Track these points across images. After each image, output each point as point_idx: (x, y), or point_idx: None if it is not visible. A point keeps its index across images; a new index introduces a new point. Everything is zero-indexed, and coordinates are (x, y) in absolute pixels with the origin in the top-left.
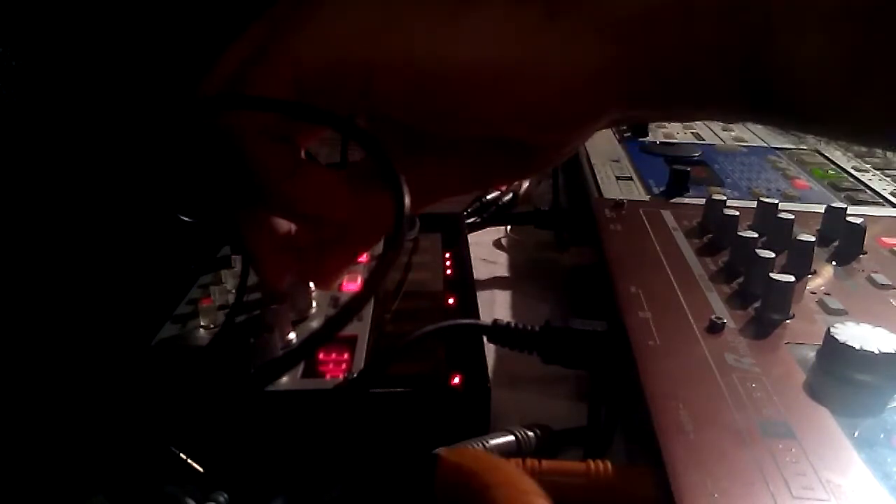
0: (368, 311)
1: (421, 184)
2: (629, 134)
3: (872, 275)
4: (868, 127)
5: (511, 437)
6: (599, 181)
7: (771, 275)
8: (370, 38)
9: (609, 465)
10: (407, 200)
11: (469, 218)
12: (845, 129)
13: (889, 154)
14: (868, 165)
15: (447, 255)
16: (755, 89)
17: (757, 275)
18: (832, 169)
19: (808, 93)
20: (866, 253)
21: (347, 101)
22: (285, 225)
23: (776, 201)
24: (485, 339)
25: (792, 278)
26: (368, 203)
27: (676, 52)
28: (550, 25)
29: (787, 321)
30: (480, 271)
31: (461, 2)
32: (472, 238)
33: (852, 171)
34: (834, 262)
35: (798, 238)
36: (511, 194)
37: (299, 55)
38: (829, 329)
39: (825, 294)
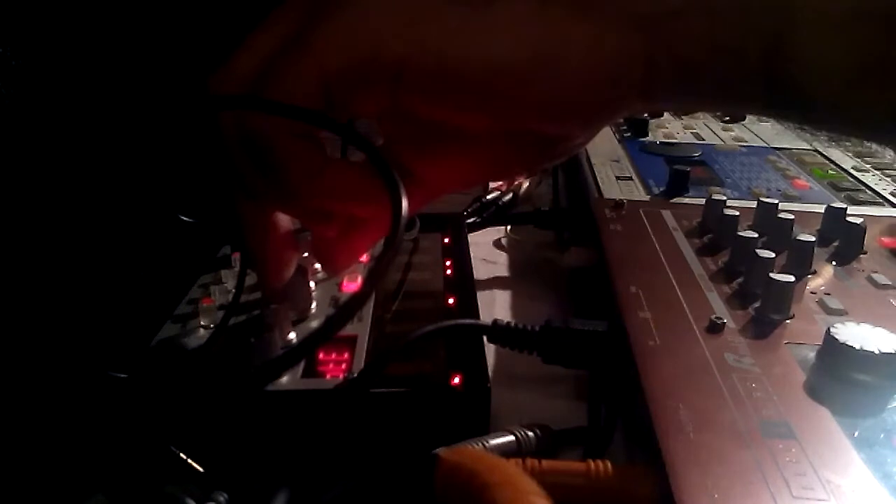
0: (368, 311)
1: (437, 174)
2: (629, 134)
3: (872, 275)
4: (882, 126)
5: (511, 437)
6: (599, 181)
7: (771, 275)
8: (399, 35)
9: (609, 465)
10: (405, 203)
11: (469, 218)
12: (855, 128)
13: (887, 152)
14: (868, 165)
15: (447, 255)
16: (772, 87)
17: (757, 275)
18: (832, 169)
19: (822, 92)
20: (866, 253)
21: (374, 99)
22: (287, 222)
23: (776, 201)
24: (485, 339)
25: (792, 278)
26: (384, 195)
27: (697, 47)
28: (576, 20)
29: (787, 321)
30: (480, 271)
31: None
32: (472, 238)
33: (852, 171)
34: (834, 262)
35: (798, 238)
36: (511, 194)
37: (326, 53)
38: (829, 329)
39: (825, 294)
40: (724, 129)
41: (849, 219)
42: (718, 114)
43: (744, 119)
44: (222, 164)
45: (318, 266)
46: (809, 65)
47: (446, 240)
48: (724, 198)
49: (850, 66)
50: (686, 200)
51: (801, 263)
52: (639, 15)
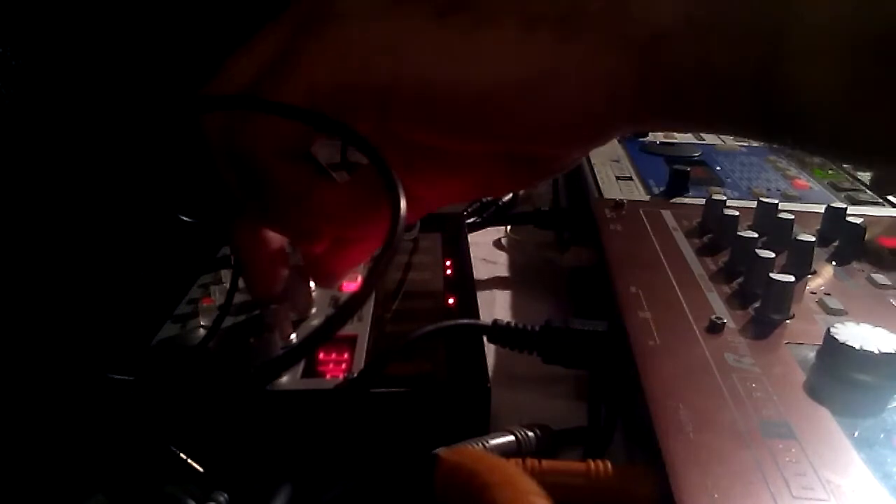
0: (368, 311)
1: (428, 192)
2: (629, 134)
3: (872, 275)
4: (872, 151)
5: (511, 437)
6: (599, 181)
7: (771, 275)
8: (385, 61)
9: (609, 465)
10: (403, 202)
11: (469, 218)
12: (847, 153)
13: None
14: None
15: (447, 255)
16: (764, 112)
17: (757, 275)
18: (832, 169)
19: (814, 118)
20: (866, 253)
21: (361, 121)
22: (279, 238)
23: (776, 201)
24: (485, 339)
25: (792, 278)
26: (379, 210)
27: (687, 72)
28: (564, 46)
29: (787, 321)
30: (480, 271)
31: (474, 24)
32: (472, 238)
33: (852, 171)
34: (834, 262)
35: (798, 238)
36: (511, 194)
37: (314, 75)
38: (829, 329)
39: (825, 294)
40: None
41: (849, 219)
42: None
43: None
44: (214, 176)
45: None
46: (799, 90)
47: (445, 237)
48: (724, 198)
49: (839, 92)
50: (686, 200)
51: (801, 263)
52: (628, 38)
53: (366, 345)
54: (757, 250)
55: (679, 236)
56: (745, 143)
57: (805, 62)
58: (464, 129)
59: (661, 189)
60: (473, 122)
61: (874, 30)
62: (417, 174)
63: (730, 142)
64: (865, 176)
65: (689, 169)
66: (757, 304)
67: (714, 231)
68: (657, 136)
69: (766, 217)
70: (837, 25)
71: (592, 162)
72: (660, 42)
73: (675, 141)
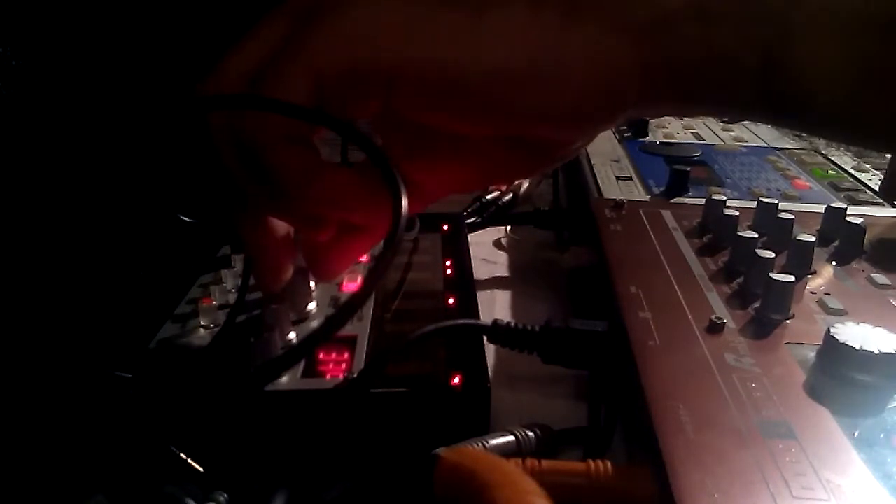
0: (368, 311)
1: (432, 179)
2: (629, 134)
3: (872, 275)
4: (878, 133)
5: (511, 437)
6: (599, 181)
7: (771, 275)
8: (393, 43)
9: (609, 465)
10: (405, 202)
11: (469, 218)
12: (855, 135)
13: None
14: (868, 165)
15: (447, 255)
16: (769, 94)
17: (757, 275)
18: (832, 169)
19: (819, 99)
20: (866, 253)
21: (368, 104)
22: (284, 226)
23: (776, 201)
24: (485, 339)
25: (792, 278)
26: (380, 201)
27: (693, 55)
28: (571, 28)
29: (787, 321)
30: (480, 271)
31: (481, 5)
32: (472, 238)
33: (852, 171)
34: (834, 262)
35: (798, 238)
36: (511, 194)
37: (319, 59)
38: (829, 329)
39: (825, 294)
40: (724, 129)
41: (849, 219)
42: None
43: (744, 119)
44: (216, 169)
45: None
46: (807, 73)
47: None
48: (724, 198)
49: (848, 74)
50: (686, 200)
51: (801, 263)
52: (634, 22)
53: (366, 345)
54: (757, 250)
55: (679, 236)
56: (745, 143)
57: (812, 45)
58: (470, 110)
59: (661, 189)
60: (480, 102)
61: (883, 13)
62: (422, 160)
63: (730, 141)
64: (866, 176)
65: (689, 169)
66: (757, 304)
67: (714, 231)
68: (657, 136)
69: (766, 217)
70: (845, 8)
71: (592, 162)
72: (666, 26)
73: (675, 141)
